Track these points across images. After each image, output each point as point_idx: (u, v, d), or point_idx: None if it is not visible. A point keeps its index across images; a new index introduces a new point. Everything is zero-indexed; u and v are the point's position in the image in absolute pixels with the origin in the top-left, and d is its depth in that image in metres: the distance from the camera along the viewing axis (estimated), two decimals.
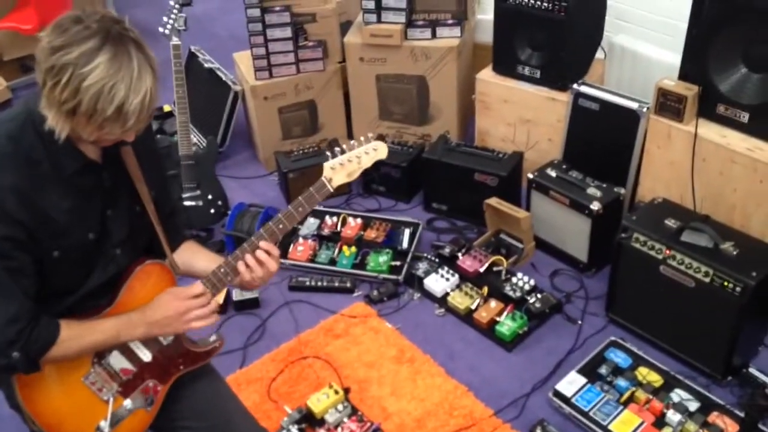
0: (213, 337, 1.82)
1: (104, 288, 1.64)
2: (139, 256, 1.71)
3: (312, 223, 3.45)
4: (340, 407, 2.55)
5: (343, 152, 1.72)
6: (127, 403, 1.69)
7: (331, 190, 1.70)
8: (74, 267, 1.57)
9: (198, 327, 1.66)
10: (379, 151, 1.77)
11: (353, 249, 3.27)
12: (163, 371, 1.73)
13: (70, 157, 1.50)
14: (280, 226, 1.69)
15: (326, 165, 1.71)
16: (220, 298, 3.05)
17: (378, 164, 3.52)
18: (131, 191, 1.64)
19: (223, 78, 4.02)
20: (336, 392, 2.59)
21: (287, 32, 3.69)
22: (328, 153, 1.73)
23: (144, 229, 1.69)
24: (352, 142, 1.74)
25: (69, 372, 1.62)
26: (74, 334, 1.55)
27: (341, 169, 1.71)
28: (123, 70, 1.36)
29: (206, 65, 4.14)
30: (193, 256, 1.82)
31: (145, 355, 1.70)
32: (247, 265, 1.66)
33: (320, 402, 2.55)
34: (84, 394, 1.64)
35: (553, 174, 3.16)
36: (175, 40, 3.38)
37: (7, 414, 2.60)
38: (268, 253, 1.66)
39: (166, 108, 4.34)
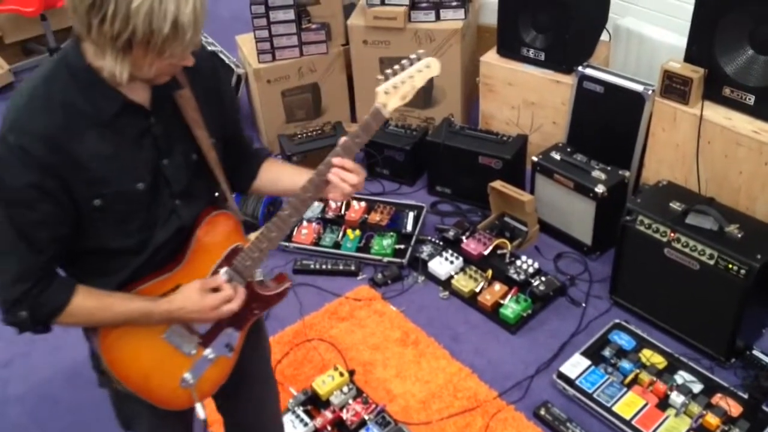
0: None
1: (169, 245, 1.59)
2: (202, 208, 1.64)
3: (316, 206, 3.45)
4: (345, 389, 2.56)
5: (394, 74, 1.61)
6: (208, 352, 1.69)
7: (387, 117, 1.61)
8: (130, 221, 1.51)
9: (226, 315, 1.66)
10: (432, 67, 1.63)
11: (357, 232, 3.28)
12: (238, 318, 1.71)
13: (107, 98, 1.42)
14: None
15: (379, 90, 1.59)
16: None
17: (382, 147, 3.61)
18: (188, 138, 1.56)
19: (226, 61, 4.01)
20: (341, 374, 2.60)
21: (290, 14, 3.67)
22: (380, 77, 1.61)
23: (203, 178, 1.62)
24: (403, 61, 1.62)
25: (149, 331, 1.61)
26: (88, 306, 1.52)
27: (395, 92, 1.60)
28: None
29: (209, 48, 4.12)
30: (279, 174, 1.78)
31: None
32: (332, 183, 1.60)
33: (325, 384, 2.57)
34: (166, 351, 1.64)
35: (558, 157, 3.15)
36: None
37: (11, 396, 2.67)
38: (343, 168, 1.59)
39: None
